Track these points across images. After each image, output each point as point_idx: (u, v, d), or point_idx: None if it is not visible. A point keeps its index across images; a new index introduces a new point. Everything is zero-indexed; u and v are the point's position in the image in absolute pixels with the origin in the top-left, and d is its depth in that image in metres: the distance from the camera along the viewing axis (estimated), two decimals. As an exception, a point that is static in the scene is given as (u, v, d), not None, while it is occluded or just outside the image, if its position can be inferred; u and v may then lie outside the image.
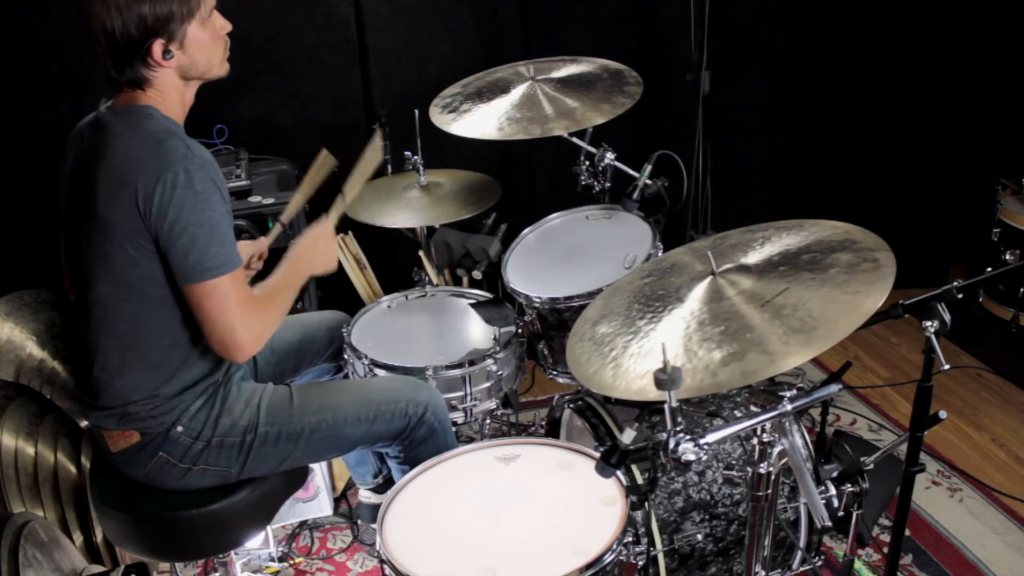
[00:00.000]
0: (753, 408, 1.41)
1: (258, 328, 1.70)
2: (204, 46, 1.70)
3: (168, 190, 1.59)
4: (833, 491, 1.49)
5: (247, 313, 1.68)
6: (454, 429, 2.11)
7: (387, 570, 1.54)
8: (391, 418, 1.95)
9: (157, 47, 1.64)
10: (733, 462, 1.92)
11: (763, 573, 1.57)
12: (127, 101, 1.69)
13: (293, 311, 2.93)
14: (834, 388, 1.41)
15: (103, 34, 1.62)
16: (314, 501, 2.60)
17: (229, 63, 1.78)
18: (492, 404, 2.29)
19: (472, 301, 2.48)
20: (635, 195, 2.37)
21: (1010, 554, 2.39)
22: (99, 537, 2.16)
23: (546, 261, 2.40)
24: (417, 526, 1.62)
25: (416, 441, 1.99)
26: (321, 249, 1.94)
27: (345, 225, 2.69)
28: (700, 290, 1.49)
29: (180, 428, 1.77)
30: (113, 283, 1.67)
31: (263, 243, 2.19)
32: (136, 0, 1.60)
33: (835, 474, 1.52)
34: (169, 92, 1.70)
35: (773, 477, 1.45)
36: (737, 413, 2.00)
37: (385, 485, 2.43)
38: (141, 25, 1.61)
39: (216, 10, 1.73)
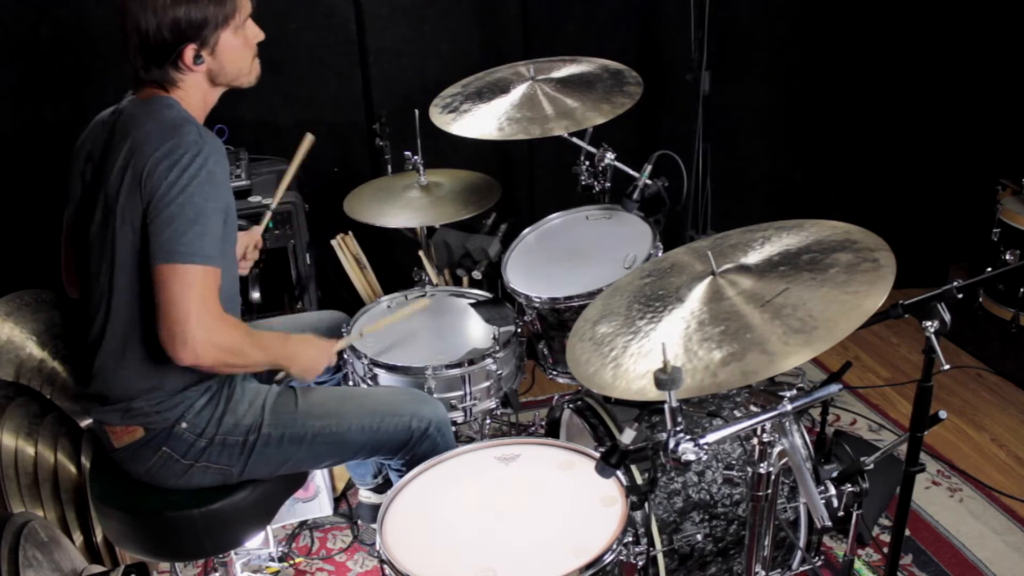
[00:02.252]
0: (753, 408, 1.42)
1: (214, 337, 1.61)
2: (235, 53, 1.71)
3: (167, 167, 1.60)
4: (833, 491, 1.49)
5: (208, 313, 1.60)
6: (454, 429, 2.11)
7: (387, 570, 1.54)
8: (394, 430, 1.95)
9: (189, 52, 1.65)
10: (733, 462, 1.92)
11: (763, 573, 1.57)
12: (150, 94, 1.71)
13: (293, 312, 2.94)
14: (834, 388, 1.41)
15: (136, 33, 1.63)
16: (314, 501, 2.60)
17: None
18: (492, 404, 2.29)
19: (472, 301, 2.48)
20: (635, 195, 2.37)
21: (1010, 554, 2.39)
22: (99, 537, 2.16)
23: (546, 261, 2.40)
24: (417, 526, 1.62)
25: (418, 456, 1.97)
26: (311, 355, 1.90)
27: (345, 225, 2.69)
28: (700, 290, 1.49)
29: (184, 424, 1.77)
30: (118, 269, 1.68)
31: (256, 231, 2.20)
32: (173, 3, 1.61)
33: (835, 474, 1.52)
34: (193, 92, 1.72)
35: (773, 477, 1.45)
36: (737, 413, 2.00)
37: (385, 485, 2.43)
38: (175, 28, 1.62)
39: (251, 19, 1.74)
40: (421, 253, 2.82)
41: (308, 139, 2.26)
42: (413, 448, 1.98)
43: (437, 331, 2.43)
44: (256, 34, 1.76)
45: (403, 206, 2.60)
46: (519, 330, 2.33)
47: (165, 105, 1.68)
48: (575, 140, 2.49)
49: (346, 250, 2.91)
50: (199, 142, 1.63)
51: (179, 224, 1.60)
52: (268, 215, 2.30)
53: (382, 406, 1.98)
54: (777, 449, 1.42)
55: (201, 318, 1.59)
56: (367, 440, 1.94)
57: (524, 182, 3.52)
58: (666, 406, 1.28)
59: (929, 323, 1.42)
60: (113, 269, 1.68)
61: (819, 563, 2.06)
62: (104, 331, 1.72)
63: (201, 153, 1.62)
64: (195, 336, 1.59)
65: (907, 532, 2.46)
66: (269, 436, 1.84)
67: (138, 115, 1.68)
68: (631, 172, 2.41)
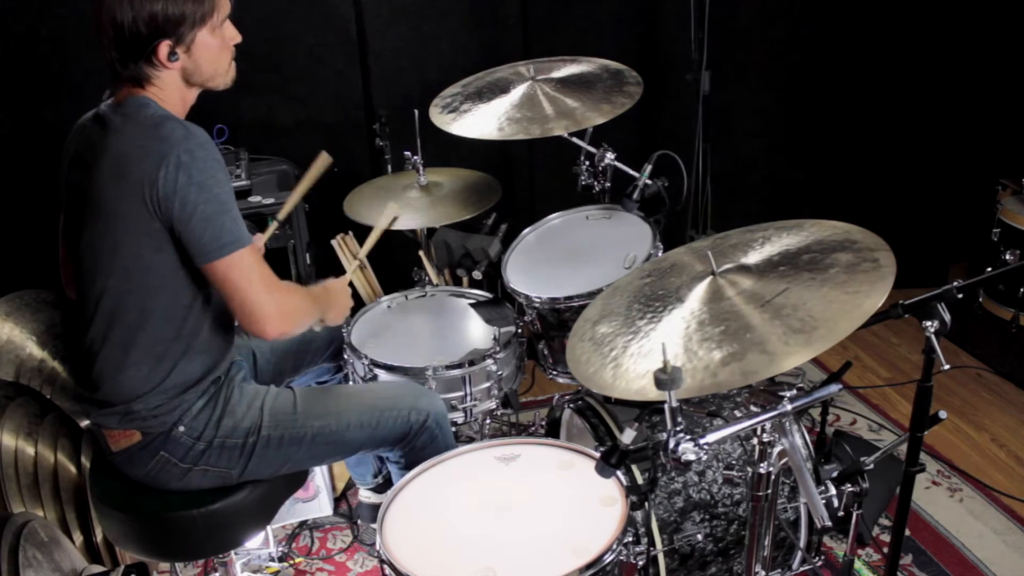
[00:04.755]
0: (753, 408, 1.42)
1: (284, 303, 1.70)
2: (211, 53, 1.70)
3: (172, 173, 1.59)
4: (833, 491, 1.49)
5: (271, 286, 1.68)
6: (454, 429, 2.11)
7: (387, 570, 1.54)
8: (393, 424, 1.96)
9: (163, 48, 1.64)
10: (733, 462, 1.92)
11: (763, 573, 1.57)
12: (127, 95, 1.70)
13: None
14: (834, 388, 1.41)
15: (111, 26, 1.62)
16: (314, 501, 2.61)
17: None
18: (492, 404, 2.28)
19: (472, 301, 2.48)
20: (635, 195, 2.36)
21: (1010, 554, 2.39)
22: (99, 537, 2.16)
23: (546, 261, 2.40)
24: (417, 526, 1.62)
25: (417, 448, 1.99)
26: (340, 302, 1.97)
27: (345, 225, 2.69)
28: (700, 290, 1.49)
29: (182, 428, 1.77)
30: (117, 275, 1.68)
31: (259, 239, 2.19)
32: None
33: (835, 474, 1.52)
34: (170, 91, 1.71)
35: (773, 477, 1.45)
36: (737, 413, 2.00)
37: (385, 485, 2.43)
38: (151, 23, 1.61)
39: (229, 20, 1.73)
40: (421, 253, 2.82)
41: (323, 158, 2.25)
42: (412, 441, 1.98)
43: (437, 331, 2.43)
44: (233, 36, 1.75)
45: (403, 206, 2.60)
46: (519, 330, 2.33)
47: (141, 105, 1.67)
48: (575, 140, 2.49)
49: (346, 250, 2.91)
50: (187, 135, 1.62)
51: (214, 221, 1.62)
52: (274, 225, 2.27)
53: (380, 401, 1.98)
54: (777, 449, 1.42)
55: (270, 292, 1.68)
56: (367, 436, 1.94)
57: (524, 182, 3.52)
58: (666, 406, 1.28)
59: (929, 323, 1.42)
60: (111, 276, 1.68)
61: (819, 563, 2.06)
62: (104, 335, 1.72)
63: (194, 144, 1.62)
64: (271, 311, 1.66)
65: (907, 532, 2.46)
66: (269, 438, 1.84)
67: (117, 119, 1.67)
68: (631, 172, 2.41)
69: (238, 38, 1.76)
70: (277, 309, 1.67)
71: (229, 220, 1.64)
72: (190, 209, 1.60)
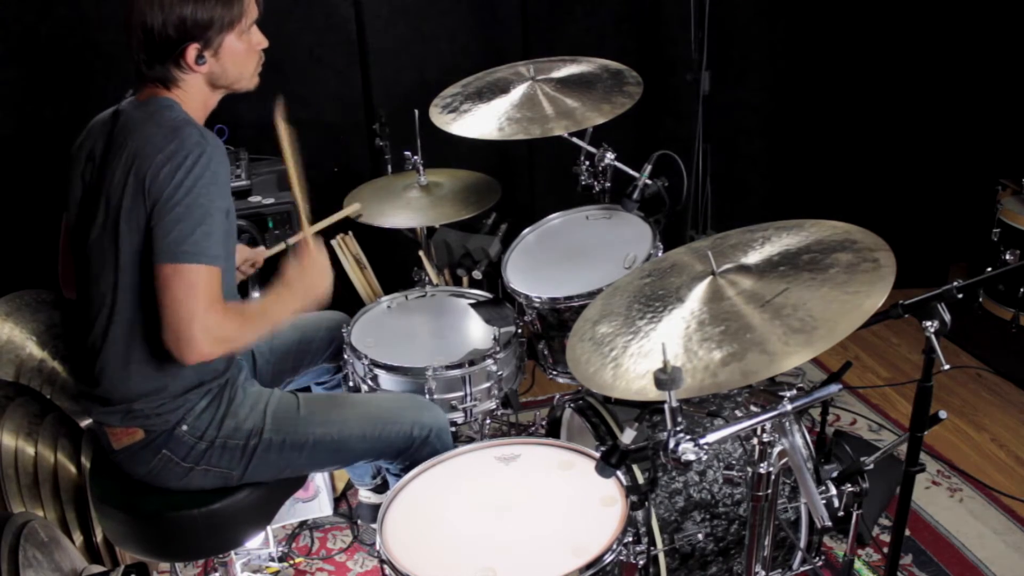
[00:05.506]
0: (753, 408, 1.42)
1: (217, 333, 1.59)
2: (238, 57, 1.72)
3: (172, 169, 1.60)
4: (833, 491, 1.49)
5: (211, 312, 1.59)
6: (453, 429, 2.11)
7: (387, 570, 1.54)
8: (395, 437, 1.95)
9: (191, 51, 1.65)
10: (733, 462, 1.92)
11: (763, 573, 1.57)
12: (151, 94, 1.71)
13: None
14: (834, 388, 1.41)
15: (141, 28, 1.63)
16: (314, 501, 2.61)
17: None
18: (492, 404, 2.28)
19: (472, 301, 2.48)
20: (635, 195, 2.37)
21: (1010, 554, 2.39)
22: (99, 537, 2.16)
23: (546, 261, 2.40)
24: (417, 526, 1.62)
25: (417, 461, 1.98)
26: (309, 286, 1.84)
27: (345, 225, 2.69)
28: (700, 290, 1.49)
29: (185, 427, 1.77)
30: (122, 271, 1.68)
31: (261, 252, 2.19)
32: (180, 1, 1.61)
33: (835, 474, 1.52)
34: (193, 94, 1.72)
35: (773, 477, 1.45)
36: (737, 413, 1.99)
37: (384, 485, 2.43)
38: (180, 27, 1.63)
39: (256, 25, 1.74)
40: (421, 253, 2.82)
41: (356, 210, 2.25)
42: (413, 454, 1.98)
43: (437, 331, 2.42)
44: (260, 41, 1.76)
45: (403, 206, 2.60)
46: (519, 330, 2.33)
47: (164, 106, 1.68)
48: (575, 140, 2.49)
49: (346, 250, 2.91)
50: (202, 143, 1.63)
51: (185, 225, 1.59)
52: (281, 246, 2.24)
53: (383, 413, 1.98)
54: (777, 449, 1.42)
55: (205, 318, 1.58)
56: (368, 447, 1.94)
57: (524, 182, 3.52)
58: (666, 406, 1.28)
59: (929, 323, 1.42)
60: (117, 272, 1.68)
61: (819, 563, 2.06)
62: (107, 333, 1.72)
63: (205, 154, 1.62)
64: (199, 338, 1.57)
65: (907, 532, 2.46)
66: (270, 441, 1.84)
67: (138, 117, 1.68)
68: (631, 172, 2.41)
69: (265, 43, 1.77)
70: (204, 335, 1.57)
71: (200, 233, 1.59)
72: (170, 206, 1.59)
